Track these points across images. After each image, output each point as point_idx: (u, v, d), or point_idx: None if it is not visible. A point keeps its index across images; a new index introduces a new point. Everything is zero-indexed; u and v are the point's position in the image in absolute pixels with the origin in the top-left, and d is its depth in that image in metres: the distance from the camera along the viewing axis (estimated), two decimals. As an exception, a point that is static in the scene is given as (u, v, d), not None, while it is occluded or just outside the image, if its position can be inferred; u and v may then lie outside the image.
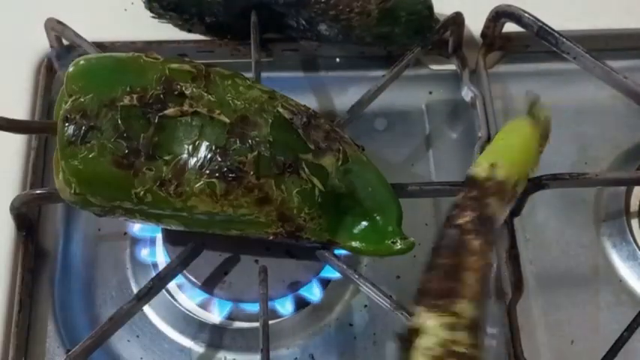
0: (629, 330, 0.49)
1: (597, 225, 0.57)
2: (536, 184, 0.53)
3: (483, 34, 0.62)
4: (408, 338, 0.42)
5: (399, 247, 0.48)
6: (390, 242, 0.48)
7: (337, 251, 0.50)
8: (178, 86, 0.45)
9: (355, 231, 0.48)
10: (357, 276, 0.50)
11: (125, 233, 0.55)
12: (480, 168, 0.46)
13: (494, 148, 0.48)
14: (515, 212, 0.55)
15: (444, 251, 0.44)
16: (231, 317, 0.53)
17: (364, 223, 0.48)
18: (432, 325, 0.42)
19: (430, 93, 0.62)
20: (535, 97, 0.50)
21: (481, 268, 0.43)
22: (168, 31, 0.62)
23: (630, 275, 0.55)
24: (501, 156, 0.47)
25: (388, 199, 0.48)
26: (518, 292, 0.52)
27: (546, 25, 0.58)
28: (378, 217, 0.48)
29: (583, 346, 0.53)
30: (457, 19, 0.60)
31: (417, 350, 0.41)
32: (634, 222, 0.56)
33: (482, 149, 0.57)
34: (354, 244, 0.48)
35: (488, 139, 0.58)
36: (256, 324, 0.49)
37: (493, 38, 0.62)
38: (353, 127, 0.55)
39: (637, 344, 0.51)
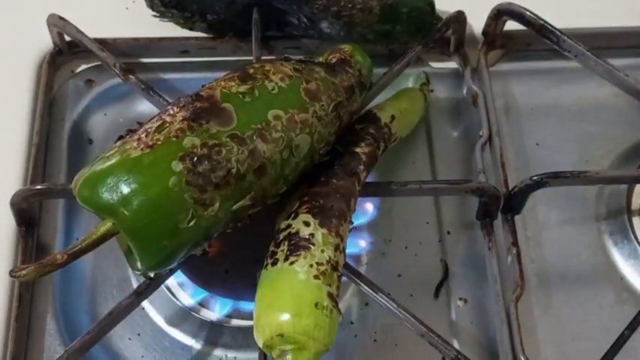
0: (630, 328, 0.49)
1: (598, 223, 0.57)
2: (538, 182, 0.53)
3: (485, 33, 0.62)
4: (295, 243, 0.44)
5: None
6: None
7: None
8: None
9: None
10: (357, 275, 0.50)
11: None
12: (386, 114, 0.54)
13: (398, 104, 0.56)
14: (517, 210, 0.55)
15: (340, 173, 0.48)
16: (231, 315, 0.53)
17: None
18: (322, 242, 0.44)
19: (431, 91, 0.62)
20: (425, 76, 0.61)
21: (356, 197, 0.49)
22: (169, 29, 0.62)
23: (631, 273, 0.55)
24: (400, 114, 0.55)
25: None
26: (520, 290, 0.51)
27: (548, 23, 0.58)
28: None
29: (584, 344, 0.53)
30: (459, 18, 0.60)
31: (303, 260, 0.43)
32: (635, 220, 0.56)
33: (483, 147, 0.57)
34: None
35: (490, 137, 0.58)
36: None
37: (494, 36, 0.62)
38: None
39: (638, 343, 0.51)
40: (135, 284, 0.54)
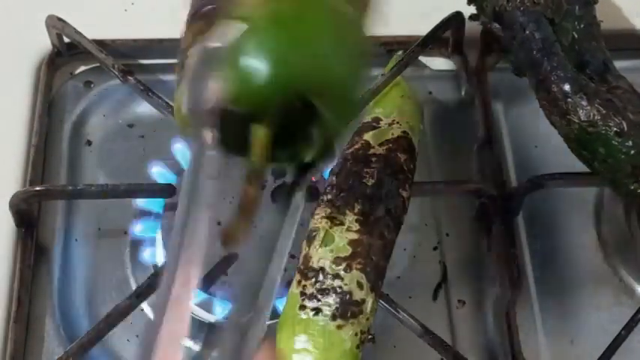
0: (627, 329, 0.49)
1: (597, 225, 0.57)
2: (536, 183, 0.53)
3: (483, 34, 0.62)
4: None
5: None
6: None
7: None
8: None
9: None
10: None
11: (125, 232, 0.55)
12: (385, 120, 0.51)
13: (392, 103, 0.53)
14: (515, 212, 0.55)
15: (392, 224, 0.45)
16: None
17: None
18: (371, 309, 0.42)
19: (430, 93, 0.62)
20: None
21: None
22: (168, 30, 0.62)
23: (630, 275, 0.55)
24: (397, 116, 0.51)
25: None
26: (518, 292, 0.52)
27: (545, 26, 0.58)
28: None
29: (582, 347, 0.53)
30: (457, 18, 0.60)
31: (351, 326, 0.41)
32: (634, 222, 0.56)
33: (482, 149, 0.57)
34: None
35: (489, 139, 0.58)
36: (256, 323, 0.49)
37: (493, 38, 0.61)
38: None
39: (635, 344, 0.51)
40: (134, 285, 0.54)
